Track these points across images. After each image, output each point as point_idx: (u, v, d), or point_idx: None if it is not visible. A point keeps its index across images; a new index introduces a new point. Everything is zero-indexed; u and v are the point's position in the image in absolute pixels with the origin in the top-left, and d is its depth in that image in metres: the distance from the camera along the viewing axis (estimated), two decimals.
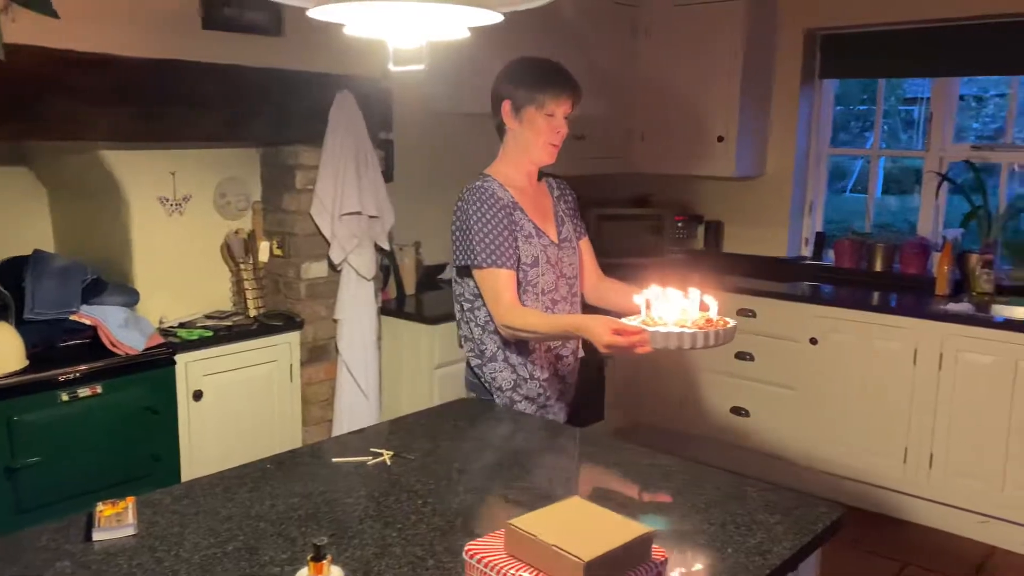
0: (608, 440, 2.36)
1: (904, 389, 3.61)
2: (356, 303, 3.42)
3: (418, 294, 3.84)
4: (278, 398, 3.30)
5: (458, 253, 2.16)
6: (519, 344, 2.20)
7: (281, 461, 1.83)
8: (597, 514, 1.34)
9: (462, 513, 1.58)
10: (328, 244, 3.38)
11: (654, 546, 1.29)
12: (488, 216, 2.12)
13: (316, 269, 3.42)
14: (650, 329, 1.82)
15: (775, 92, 4.43)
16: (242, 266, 3.34)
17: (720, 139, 4.28)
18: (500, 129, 2.24)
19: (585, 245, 2.41)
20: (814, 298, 3.96)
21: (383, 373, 3.57)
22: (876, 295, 3.90)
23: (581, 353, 2.35)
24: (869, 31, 4.16)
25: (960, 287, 3.86)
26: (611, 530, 1.27)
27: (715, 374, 4.16)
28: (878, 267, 4.17)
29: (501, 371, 2.22)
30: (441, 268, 4.06)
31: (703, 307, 1.91)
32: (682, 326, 1.83)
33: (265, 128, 3.15)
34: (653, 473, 1.82)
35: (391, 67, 1.59)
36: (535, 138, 2.17)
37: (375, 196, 3.41)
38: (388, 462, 1.81)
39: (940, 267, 3.83)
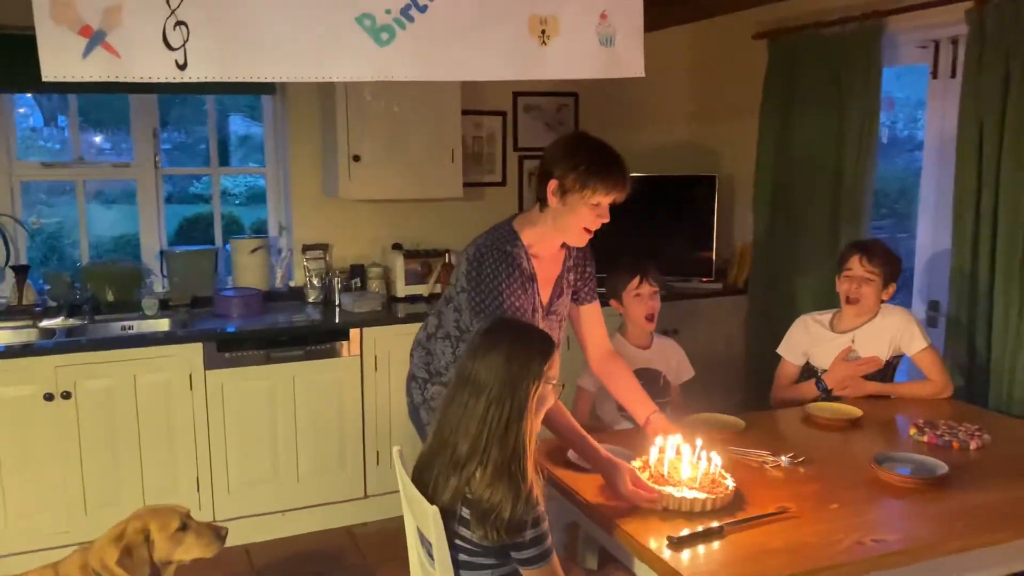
0: None
1: None
2: None
3: None
4: None
5: (478, 302, 2.17)
6: None
7: None
8: None
9: None
10: None
11: None
12: (515, 285, 2.17)
13: None
14: (665, 490, 1.97)
15: None
16: None
17: None
18: (541, 198, 2.21)
19: (592, 311, 2.44)
20: None
21: None
22: None
23: None
24: None
25: None
26: None
27: None
28: None
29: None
30: None
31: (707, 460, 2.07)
32: (691, 483, 2.00)
33: None
34: None
35: None
36: (575, 223, 2.17)
37: None
38: None
39: None
